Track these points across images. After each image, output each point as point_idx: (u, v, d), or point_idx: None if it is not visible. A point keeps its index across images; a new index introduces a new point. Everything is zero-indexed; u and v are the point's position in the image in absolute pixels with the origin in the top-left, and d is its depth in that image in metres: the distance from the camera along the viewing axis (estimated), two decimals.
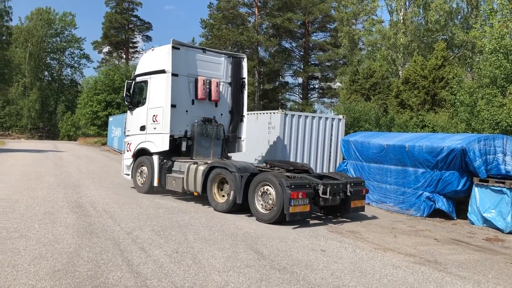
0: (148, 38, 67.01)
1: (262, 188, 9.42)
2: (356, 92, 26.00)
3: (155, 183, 12.02)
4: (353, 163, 14.11)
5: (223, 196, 10.41)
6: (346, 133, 16.63)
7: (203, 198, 11.15)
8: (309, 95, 51.40)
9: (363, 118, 20.14)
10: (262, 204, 9.40)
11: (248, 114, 17.42)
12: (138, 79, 13.07)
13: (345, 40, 35.37)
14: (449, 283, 5.90)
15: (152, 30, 67.86)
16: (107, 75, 42.45)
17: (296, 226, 8.95)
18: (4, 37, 57.50)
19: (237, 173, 9.89)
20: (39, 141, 48.97)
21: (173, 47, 11.83)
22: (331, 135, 15.81)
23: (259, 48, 43.86)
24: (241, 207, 9.91)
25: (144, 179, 12.53)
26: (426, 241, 8.44)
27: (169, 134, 11.79)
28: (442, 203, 11.03)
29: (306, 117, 15.60)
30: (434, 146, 11.17)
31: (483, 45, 17.62)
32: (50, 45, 64.43)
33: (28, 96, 55.00)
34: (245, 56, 13.95)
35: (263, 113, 16.64)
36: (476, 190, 10.53)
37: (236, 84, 13.32)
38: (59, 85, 64.86)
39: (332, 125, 15.83)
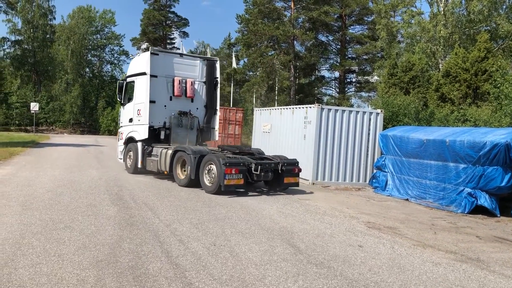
0: (185, 34, 67.79)
1: (208, 166, 11.83)
2: (394, 85, 25.44)
3: (139, 165, 14.53)
4: (392, 158, 13.87)
5: (184, 173, 12.66)
6: (384, 127, 16.34)
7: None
8: (346, 89, 50.67)
9: (402, 112, 19.70)
10: (208, 179, 11.81)
11: (283, 108, 17.60)
12: (128, 79, 15.59)
13: (383, 32, 34.65)
14: (492, 281, 5.73)
15: (189, 26, 68.33)
16: None
17: (332, 222, 8.90)
18: (48, 35, 59.60)
19: (192, 155, 12.25)
20: (80, 135, 50.54)
21: (151, 53, 14.39)
22: (369, 129, 15.58)
23: (295, 42, 43.57)
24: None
25: (131, 162, 15.10)
26: (468, 238, 8.22)
27: (148, 125, 14.31)
28: (484, 200, 10.71)
29: (343, 111, 15.43)
30: (476, 141, 10.84)
31: None
32: (91, 42, 66.08)
33: (71, 92, 56.65)
34: (218, 59, 16.21)
35: (299, 108, 16.58)
36: None
37: (210, 83, 15.61)
38: (100, 81, 66.56)
39: (369, 119, 15.60)
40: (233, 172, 11.24)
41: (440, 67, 28.38)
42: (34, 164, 16.24)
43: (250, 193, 12.08)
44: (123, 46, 73.59)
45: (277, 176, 12.28)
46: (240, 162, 11.59)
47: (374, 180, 14.61)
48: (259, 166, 11.71)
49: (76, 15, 61.72)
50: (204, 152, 12.42)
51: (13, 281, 4.76)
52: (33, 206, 8.59)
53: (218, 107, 15.87)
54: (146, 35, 63.84)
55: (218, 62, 15.92)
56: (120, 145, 16.14)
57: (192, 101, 15.27)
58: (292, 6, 43.13)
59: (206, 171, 11.87)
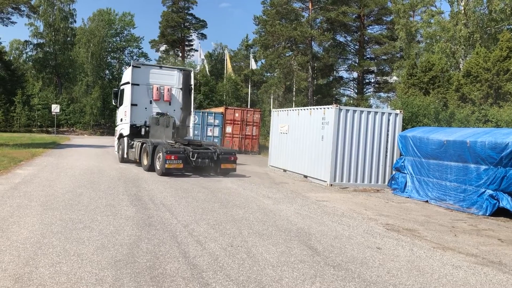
0: (203, 36, 67.93)
1: (158, 154, 14.87)
2: (414, 86, 25.14)
3: (125, 155, 17.96)
4: (411, 159, 13.71)
5: (147, 160, 15.66)
6: (404, 128, 16.14)
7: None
8: (365, 89, 50.29)
9: (422, 113, 19.45)
10: (158, 164, 14.86)
11: (301, 109, 17.63)
12: (121, 87, 19.11)
13: (402, 32, 34.29)
14: None
15: (207, 28, 68.61)
16: None
17: (349, 224, 8.84)
18: (68, 38, 60.56)
19: (150, 145, 15.42)
20: (100, 137, 51.17)
21: (133, 67, 17.86)
22: (388, 130, 15.42)
23: (312, 43, 43.42)
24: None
25: (121, 153, 18.57)
26: (489, 241, 8.06)
27: (129, 124, 17.66)
28: (506, 202, 10.49)
29: (362, 112, 15.30)
30: (498, 142, 10.63)
31: None
32: (110, 45, 66.88)
33: (91, 94, 57.32)
34: (192, 70, 19.54)
35: (317, 109, 16.50)
36: None
37: (186, 89, 18.67)
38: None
39: (388, 120, 15.44)
40: (173, 158, 14.28)
41: (460, 67, 27.95)
42: (54, 165, 16.51)
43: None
44: (142, 48, 74.63)
45: (216, 162, 15.24)
46: (180, 151, 14.63)
47: (393, 182, 14.46)
48: (196, 154, 14.74)
49: (96, 18, 62.54)
50: (159, 143, 15.39)
51: (34, 279, 4.84)
52: (54, 206, 8.73)
53: (192, 109, 18.94)
54: (165, 37, 64.37)
55: (192, 72, 19.12)
56: (115, 140, 19.73)
57: (170, 104, 18.34)
58: (310, 6, 43.02)
59: (157, 158, 14.93)
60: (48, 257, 5.61)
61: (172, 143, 15.71)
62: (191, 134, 18.93)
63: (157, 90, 17.86)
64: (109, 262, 5.54)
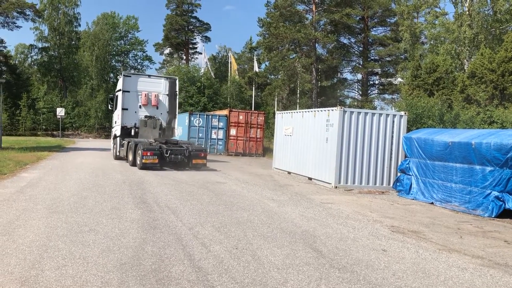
0: (207, 39, 67.99)
1: (138, 151, 17.15)
2: (418, 87, 25.10)
3: (117, 153, 20.71)
4: (416, 161, 13.67)
5: (131, 156, 17.88)
6: (408, 130, 16.10)
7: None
8: (369, 91, 50.19)
9: (426, 114, 19.41)
10: (138, 159, 17.16)
11: (305, 111, 17.66)
12: (115, 94, 22.09)
13: (406, 34, 34.26)
14: None
15: (211, 31, 68.67)
16: None
17: (354, 226, 8.82)
18: (73, 42, 60.81)
19: (133, 143, 17.95)
20: (105, 140, 51.23)
21: (125, 76, 20.70)
22: (392, 132, 15.37)
23: (316, 45, 43.40)
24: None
25: (114, 151, 21.44)
26: (495, 243, 8.02)
27: (120, 126, 20.39)
28: None
29: (366, 114, 15.26)
30: (503, 143, 10.58)
31: None
32: (114, 48, 66.95)
33: (95, 97, 57.41)
34: (177, 78, 22.44)
35: (321, 111, 16.48)
36: None
37: (172, 95, 21.20)
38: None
39: (393, 122, 15.40)
40: (149, 154, 16.62)
41: (465, 68, 27.87)
42: (60, 168, 16.56)
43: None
44: (147, 51, 74.60)
45: (188, 158, 17.64)
46: (156, 148, 17.02)
47: (398, 184, 14.42)
48: (169, 151, 17.21)
49: (100, 21, 62.64)
50: (140, 142, 17.65)
51: (40, 282, 4.86)
52: (59, 209, 8.76)
53: (177, 112, 21.64)
54: (169, 40, 64.50)
55: (177, 80, 21.82)
56: (111, 140, 22.58)
57: (157, 108, 20.85)
58: (314, 8, 43.01)
59: (138, 154, 17.22)
60: (54, 260, 5.63)
61: (152, 141, 18.02)
62: (175, 135, 21.84)
63: (145, 96, 20.51)
64: (115, 265, 5.55)
